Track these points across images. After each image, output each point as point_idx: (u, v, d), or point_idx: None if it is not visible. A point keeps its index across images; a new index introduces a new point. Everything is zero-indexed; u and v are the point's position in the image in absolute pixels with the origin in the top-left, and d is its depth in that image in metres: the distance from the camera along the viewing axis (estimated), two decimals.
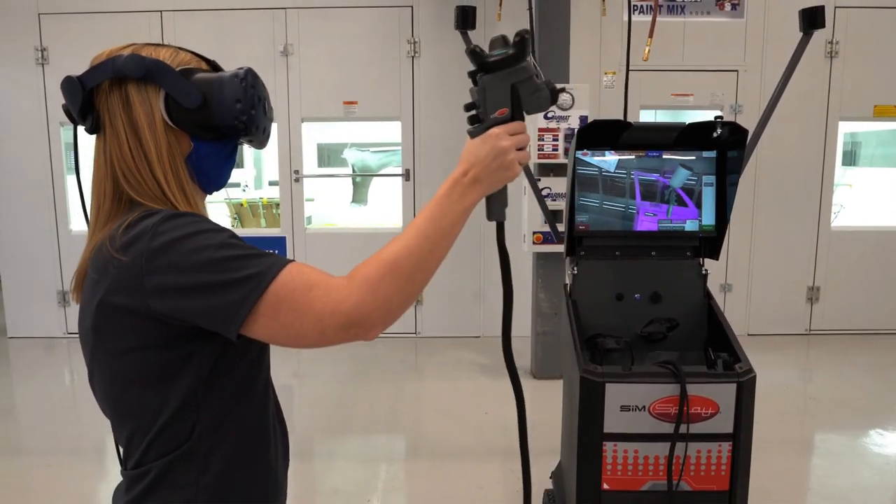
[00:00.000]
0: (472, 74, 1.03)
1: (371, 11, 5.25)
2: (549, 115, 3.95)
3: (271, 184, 8.20)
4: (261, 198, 7.17)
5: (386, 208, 7.01)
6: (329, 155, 9.29)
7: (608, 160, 2.21)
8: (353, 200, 8.32)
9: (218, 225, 0.98)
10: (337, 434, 3.75)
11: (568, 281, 2.33)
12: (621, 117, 5.40)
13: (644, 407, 1.94)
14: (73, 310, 5.61)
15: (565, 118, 3.96)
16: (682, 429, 1.93)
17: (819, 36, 5.19)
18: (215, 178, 1.11)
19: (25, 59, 5.33)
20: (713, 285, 5.48)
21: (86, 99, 1.02)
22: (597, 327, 2.29)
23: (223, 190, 7.43)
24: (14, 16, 5.30)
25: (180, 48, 1.09)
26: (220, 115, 1.02)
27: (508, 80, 1.00)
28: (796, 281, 5.47)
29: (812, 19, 2.35)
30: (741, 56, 5.27)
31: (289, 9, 5.23)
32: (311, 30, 5.26)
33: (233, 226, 7.17)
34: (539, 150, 4.00)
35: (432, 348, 5.31)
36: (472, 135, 1.03)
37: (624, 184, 2.22)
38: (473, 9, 2.45)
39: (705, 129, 2.17)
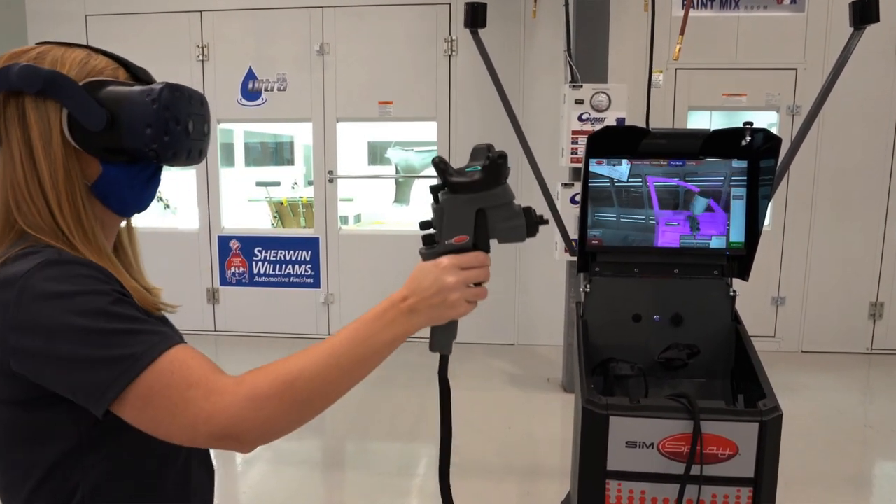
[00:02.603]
0: (433, 189, 0.92)
1: (408, 9, 5.14)
2: (584, 116, 3.75)
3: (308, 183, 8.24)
4: (300, 197, 7.18)
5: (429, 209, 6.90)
6: (380, 153, 9.29)
7: (620, 169, 2.02)
8: (396, 200, 8.26)
9: (102, 284, 0.84)
10: (354, 442, 3.66)
11: (580, 299, 2.16)
12: (670, 119, 5.15)
13: (653, 444, 1.76)
14: None
15: (601, 120, 3.75)
16: (695, 470, 1.74)
17: (889, 30, 4.79)
18: (133, 202, 0.97)
19: None
20: (765, 298, 5.23)
21: None
22: (611, 350, 2.11)
23: (265, 188, 7.52)
24: (62, 18, 5.44)
25: (97, 51, 0.94)
26: (129, 139, 0.89)
27: (474, 205, 0.88)
28: (857, 295, 5.07)
29: (864, 13, 2.11)
30: (801, 53, 4.91)
31: (325, 7, 5.18)
32: (347, 29, 5.19)
33: (273, 225, 7.22)
34: (572, 153, 3.80)
35: (464, 355, 5.15)
36: (423, 258, 0.90)
37: (640, 193, 2.03)
38: (484, 6, 2.30)
39: (734, 136, 1.96)
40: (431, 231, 0.91)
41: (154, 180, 0.99)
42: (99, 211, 0.94)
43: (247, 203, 7.51)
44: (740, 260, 2.11)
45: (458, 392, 4.16)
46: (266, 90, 5.34)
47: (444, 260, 0.88)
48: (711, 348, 2.10)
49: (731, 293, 2.10)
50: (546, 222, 0.93)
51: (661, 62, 4.96)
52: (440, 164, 0.88)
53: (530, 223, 0.90)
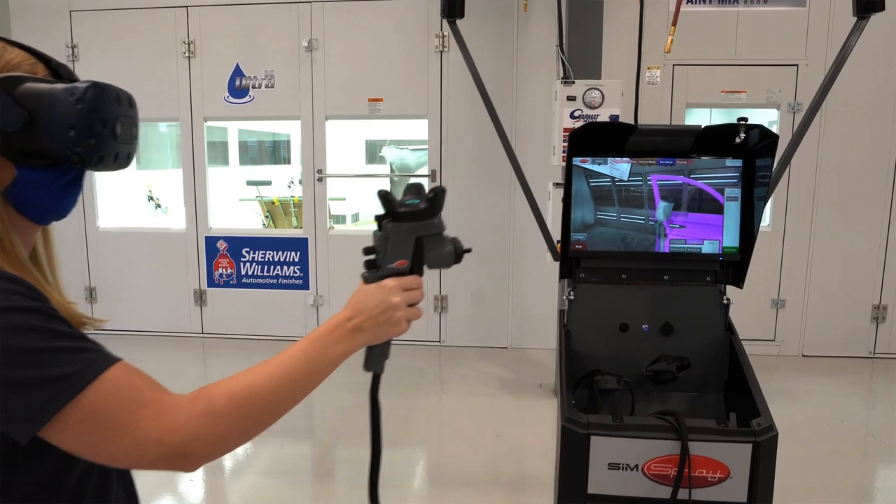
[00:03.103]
0: (378, 218, 1.00)
1: (398, 4, 5.01)
2: (577, 113, 3.62)
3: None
4: (292, 196, 7.06)
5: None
6: (378, 151, 9.16)
7: (621, 167, 1.89)
8: None
9: (29, 300, 0.77)
10: (337, 450, 3.54)
11: (563, 307, 2.03)
12: (667, 115, 5.02)
13: (637, 466, 1.63)
14: (99, 306, 5.62)
15: (594, 117, 3.61)
16: (683, 494, 1.61)
17: (893, 24, 4.64)
18: (51, 208, 0.89)
19: (57, 57, 5.31)
20: (765, 301, 5.09)
21: None
22: (596, 362, 1.98)
23: (255, 188, 7.40)
24: (46, 13, 5.32)
25: (13, 43, 0.85)
26: (49, 141, 0.81)
27: (414, 233, 0.98)
28: (860, 298, 4.93)
29: (869, 1, 1.96)
30: (802, 48, 4.76)
31: (313, 2, 5.05)
32: (336, 24, 5.06)
33: (264, 225, 7.10)
34: (564, 151, 3.66)
35: (456, 359, 5.04)
36: (366, 280, 0.98)
37: (640, 192, 1.89)
38: None
39: (727, 133, 1.82)
40: (372, 257, 0.99)
41: (75, 186, 0.91)
42: (14, 218, 0.85)
43: (239, 203, 7.40)
44: (734, 266, 1.97)
45: (447, 398, 4.05)
46: (253, 87, 5.22)
47: (389, 282, 0.95)
48: (703, 360, 1.97)
49: (725, 301, 1.97)
50: (469, 251, 1.02)
51: (658, 58, 4.82)
52: (386, 196, 0.97)
53: (457, 252, 1.00)
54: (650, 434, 1.62)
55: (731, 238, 1.93)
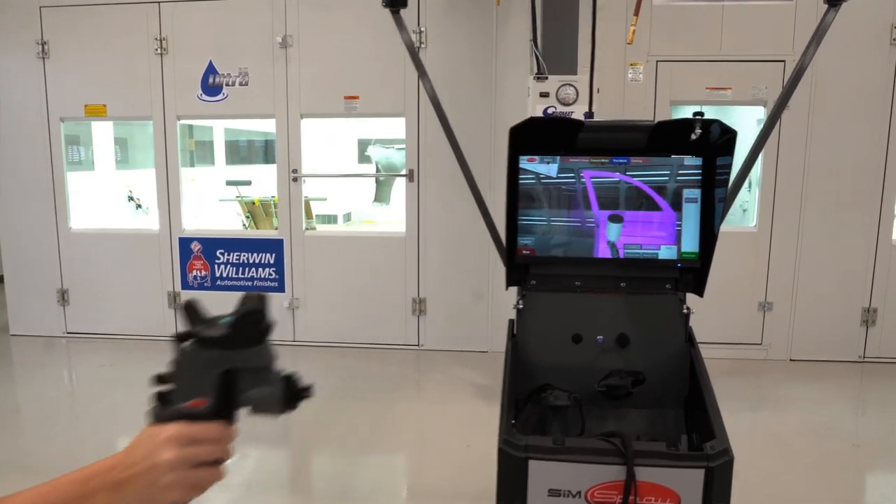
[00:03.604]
0: (178, 337, 0.75)
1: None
2: (550, 110, 3.48)
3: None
4: (272, 196, 6.90)
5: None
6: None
7: (549, 165, 1.75)
8: (376, 199, 8.00)
9: None
10: (297, 462, 3.40)
11: (513, 317, 1.89)
12: (650, 114, 4.87)
13: (580, 493, 1.49)
14: (72, 308, 5.49)
15: (568, 115, 3.48)
16: None
17: (883, 19, 4.51)
18: None
19: (26, 53, 5.21)
20: (751, 304, 4.95)
21: None
22: (547, 375, 1.84)
23: (235, 188, 7.26)
24: (15, 9, 5.18)
25: None
26: None
27: (221, 364, 0.73)
28: (849, 301, 4.79)
29: None
30: (789, 44, 4.62)
31: None
32: (311, 20, 4.92)
33: (245, 226, 6.97)
34: None
35: (433, 363, 4.91)
36: (154, 419, 0.74)
37: (574, 191, 1.76)
38: None
39: (683, 128, 1.69)
40: (162, 389, 0.75)
41: None
42: None
43: (220, 203, 7.26)
44: (695, 272, 1.84)
45: (420, 405, 3.89)
46: (227, 85, 5.08)
47: (171, 428, 0.71)
48: (662, 374, 1.83)
49: (685, 311, 1.84)
50: (309, 395, 0.78)
51: (641, 54, 4.69)
52: (189, 308, 0.75)
53: (289, 394, 0.76)
54: (593, 458, 1.49)
55: (689, 243, 1.79)
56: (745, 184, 5.49)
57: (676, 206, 1.75)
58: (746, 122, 5.30)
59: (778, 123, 4.63)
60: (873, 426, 3.91)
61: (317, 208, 9.33)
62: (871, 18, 4.53)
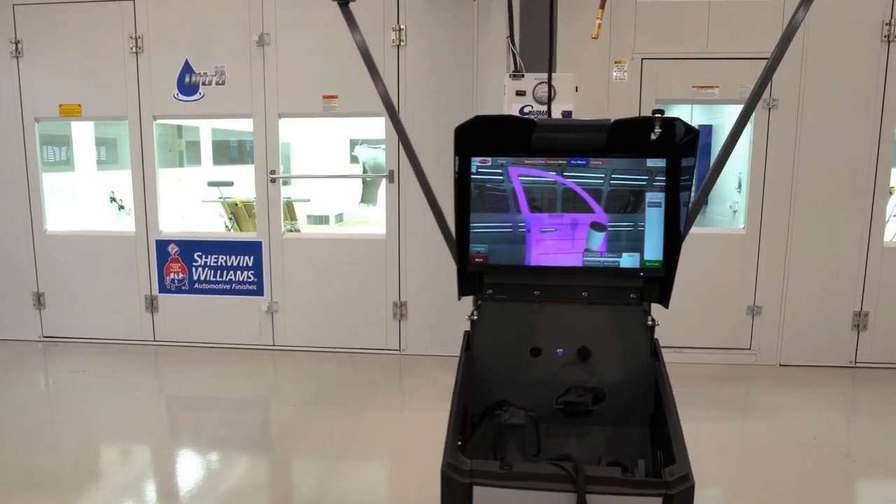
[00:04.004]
0: None
1: None
2: (527, 109, 3.37)
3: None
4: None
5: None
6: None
7: (476, 162, 1.63)
8: (362, 200, 7.89)
9: None
10: (262, 475, 3.28)
11: (468, 328, 1.78)
12: (635, 113, 4.76)
13: None
14: (48, 312, 5.38)
15: (544, 114, 3.36)
16: None
17: (874, 16, 4.40)
18: None
19: (0, 53, 5.10)
20: (739, 308, 4.83)
21: None
22: (503, 391, 1.73)
23: (217, 189, 7.15)
24: None
25: None
26: None
27: None
28: (840, 304, 4.68)
29: None
30: (777, 41, 4.50)
31: None
32: (289, 18, 4.81)
33: (228, 228, 6.86)
34: None
35: (414, 369, 4.79)
36: None
37: (501, 191, 1.63)
38: None
39: (643, 127, 1.57)
40: None
41: None
42: None
43: (202, 205, 7.15)
44: (660, 282, 1.72)
45: (396, 413, 3.73)
46: (204, 84, 4.96)
47: None
48: (626, 390, 1.72)
49: (650, 323, 1.72)
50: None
51: (626, 52, 4.58)
52: None
53: None
54: (543, 485, 1.37)
55: (653, 250, 1.67)
56: (735, 184, 5.40)
57: (639, 210, 1.64)
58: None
59: (766, 123, 4.55)
60: (864, 435, 3.80)
61: (308, 209, 9.24)
62: (862, 15, 4.43)
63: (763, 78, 1.82)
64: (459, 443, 1.49)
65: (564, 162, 1.62)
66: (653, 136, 1.54)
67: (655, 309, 1.72)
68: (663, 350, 1.66)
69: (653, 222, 1.65)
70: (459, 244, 1.65)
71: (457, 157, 1.57)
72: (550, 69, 2.14)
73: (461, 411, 1.58)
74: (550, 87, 2.13)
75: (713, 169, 1.74)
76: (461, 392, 1.60)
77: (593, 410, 1.67)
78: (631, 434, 1.73)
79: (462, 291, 1.73)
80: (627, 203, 1.62)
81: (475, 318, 1.73)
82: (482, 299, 1.73)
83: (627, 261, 1.68)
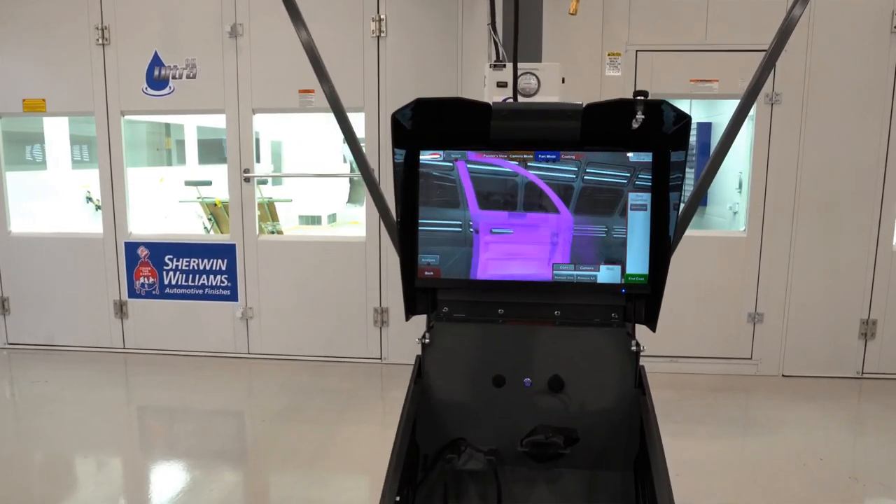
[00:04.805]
0: None
1: None
2: (508, 101, 3.09)
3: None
4: None
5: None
6: None
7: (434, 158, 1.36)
8: (349, 200, 7.63)
9: None
10: (218, 497, 3.02)
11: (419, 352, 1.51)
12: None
13: None
14: (13, 318, 5.12)
15: None
16: None
17: (883, 6, 4.14)
18: None
19: None
20: (740, 315, 4.57)
21: None
22: (462, 428, 1.46)
23: (196, 188, 6.89)
24: None
25: None
26: None
27: None
28: (847, 312, 4.41)
29: None
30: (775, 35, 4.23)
31: None
32: (262, 7, 4.54)
33: (207, 229, 6.60)
34: None
35: (395, 379, 4.53)
36: None
37: (451, 182, 1.36)
38: None
39: (623, 113, 1.30)
40: None
41: None
42: None
43: (181, 205, 6.88)
44: (646, 299, 1.45)
45: (368, 427, 3.43)
46: (174, 78, 4.70)
47: None
48: (606, 427, 1.45)
49: (634, 347, 1.45)
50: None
51: (620, 44, 4.32)
52: None
53: None
54: None
55: (637, 262, 1.40)
56: (735, 184, 5.13)
57: (610, 212, 1.37)
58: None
59: (768, 118, 4.29)
60: (873, 454, 3.53)
61: (300, 209, 8.98)
62: (869, 5, 4.16)
63: (760, 73, 1.56)
64: (398, 499, 1.22)
65: (531, 155, 1.35)
66: (634, 124, 1.27)
67: (640, 331, 1.45)
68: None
69: (636, 228, 1.38)
70: (404, 255, 1.38)
71: (396, 150, 1.30)
72: (515, 52, 1.88)
73: (404, 455, 1.31)
74: (516, 69, 1.85)
75: (709, 167, 1.47)
76: (406, 431, 1.34)
77: (567, 453, 1.41)
78: (611, 479, 1.46)
79: (410, 311, 1.45)
80: (604, 204, 1.35)
81: (427, 340, 1.46)
82: (435, 319, 1.46)
83: (606, 275, 1.41)
